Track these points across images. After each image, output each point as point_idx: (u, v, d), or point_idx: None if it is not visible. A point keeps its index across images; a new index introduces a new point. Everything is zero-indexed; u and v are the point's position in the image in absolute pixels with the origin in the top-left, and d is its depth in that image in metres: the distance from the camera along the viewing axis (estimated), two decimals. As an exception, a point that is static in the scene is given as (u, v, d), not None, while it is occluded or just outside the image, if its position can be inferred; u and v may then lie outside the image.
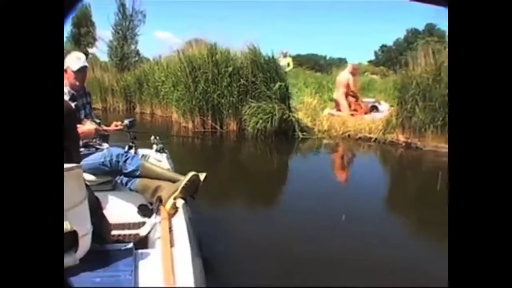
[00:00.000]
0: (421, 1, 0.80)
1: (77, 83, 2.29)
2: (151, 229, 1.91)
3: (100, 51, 16.11)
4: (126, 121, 2.58)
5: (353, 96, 7.91)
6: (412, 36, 29.19)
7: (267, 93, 6.92)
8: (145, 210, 2.15)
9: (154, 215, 2.07)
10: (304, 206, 3.54)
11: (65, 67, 2.24)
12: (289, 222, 3.17)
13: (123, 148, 2.36)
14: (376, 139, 6.48)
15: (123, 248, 1.45)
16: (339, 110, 7.87)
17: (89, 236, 1.29)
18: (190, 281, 1.32)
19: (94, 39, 16.74)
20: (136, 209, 2.16)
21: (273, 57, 7.43)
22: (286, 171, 5.46)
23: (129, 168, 2.10)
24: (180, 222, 1.81)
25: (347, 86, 7.82)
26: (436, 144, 5.79)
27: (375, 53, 33.64)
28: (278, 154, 6.39)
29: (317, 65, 22.11)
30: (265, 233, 2.91)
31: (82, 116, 2.34)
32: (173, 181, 2.07)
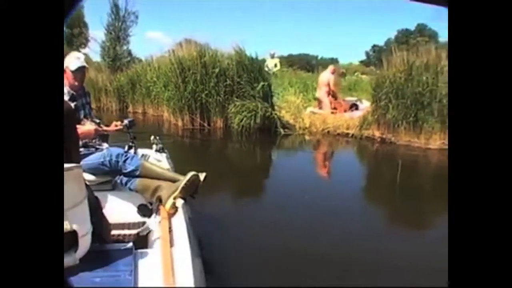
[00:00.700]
0: (421, 1, 0.80)
1: (76, 83, 2.29)
2: (149, 231, 1.91)
3: (93, 51, 16.10)
4: (125, 121, 2.58)
5: (333, 96, 8.37)
6: (403, 36, 29.23)
7: (251, 93, 7.38)
8: (145, 210, 2.15)
9: (154, 215, 2.07)
10: (286, 198, 3.79)
11: (64, 67, 2.24)
12: (274, 214, 3.36)
13: (123, 148, 2.36)
14: (353, 135, 6.91)
15: (123, 248, 1.45)
16: (321, 108, 8.29)
17: (89, 236, 1.29)
18: (190, 281, 1.32)
19: (87, 40, 16.74)
20: (135, 209, 2.16)
21: (257, 58, 7.90)
22: (269, 164, 5.86)
23: (129, 168, 2.10)
24: (180, 222, 1.80)
25: (328, 85, 8.25)
26: (409, 139, 6.27)
27: (366, 53, 33.57)
28: (261, 149, 6.82)
29: (309, 65, 22.01)
30: (251, 225, 3.07)
31: (82, 116, 2.34)
32: (173, 181, 2.07)
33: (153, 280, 1.30)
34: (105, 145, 2.35)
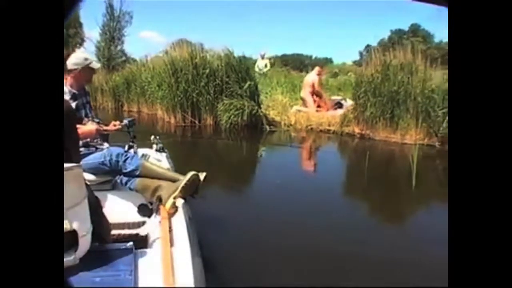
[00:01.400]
0: (421, 1, 0.80)
1: (83, 83, 2.32)
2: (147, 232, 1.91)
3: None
4: (125, 121, 2.58)
5: (317, 95, 8.86)
6: (397, 36, 29.24)
7: (239, 92, 7.95)
8: (145, 210, 2.15)
9: (154, 214, 2.07)
10: (271, 190, 4.11)
11: (76, 66, 2.24)
12: (261, 206, 3.58)
13: (123, 147, 2.36)
14: (334, 131, 7.42)
15: (123, 247, 1.44)
16: (305, 107, 8.78)
17: (89, 236, 1.29)
18: (190, 281, 1.32)
19: (82, 40, 16.79)
20: (136, 209, 2.16)
21: (244, 58, 8.65)
22: (255, 158, 6.22)
23: (129, 167, 2.10)
24: (180, 222, 1.80)
25: (313, 86, 8.75)
26: (386, 135, 6.70)
27: (360, 53, 33.44)
28: (248, 144, 7.22)
29: (302, 65, 21.99)
30: (240, 213, 3.29)
31: (83, 115, 2.34)
32: (173, 180, 2.07)
33: (153, 280, 1.30)
34: (105, 144, 2.35)
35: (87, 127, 2.24)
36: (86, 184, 1.36)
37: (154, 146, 2.96)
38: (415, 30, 30.41)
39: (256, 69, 11.33)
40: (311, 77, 8.97)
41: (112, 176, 2.17)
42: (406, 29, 30.75)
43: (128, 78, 11.58)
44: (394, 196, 4.13)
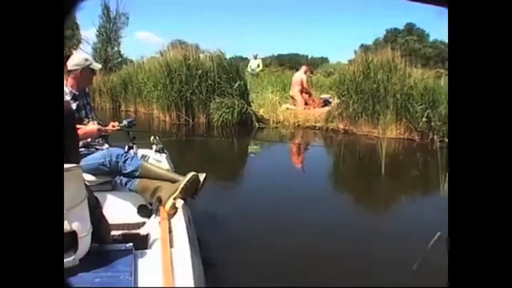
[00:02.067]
0: (421, 1, 0.80)
1: (84, 84, 2.31)
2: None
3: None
4: (125, 121, 2.58)
5: (306, 93, 9.23)
6: (392, 36, 29.22)
7: (229, 91, 8.46)
8: (144, 211, 2.15)
9: (153, 215, 2.07)
10: (261, 183, 4.38)
11: (76, 67, 2.24)
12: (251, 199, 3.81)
13: (123, 148, 2.35)
14: (320, 127, 7.87)
15: (122, 248, 1.44)
16: (294, 105, 9.13)
17: (89, 236, 1.29)
18: (190, 281, 1.32)
19: (79, 42, 16.79)
20: (135, 210, 2.16)
21: (235, 59, 9.56)
22: (245, 154, 6.59)
23: (129, 168, 2.10)
24: (179, 223, 1.80)
25: (301, 84, 9.08)
26: (369, 130, 7.14)
27: (355, 52, 33.16)
28: (238, 140, 7.59)
29: (298, 65, 22.09)
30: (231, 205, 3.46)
31: (83, 116, 2.34)
32: (173, 181, 2.06)
33: (153, 280, 1.30)
34: (105, 145, 2.35)
35: (89, 127, 2.23)
36: (86, 185, 1.36)
37: (154, 146, 2.95)
38: (410, 29, 30.44)
39: (249, 69, 11.69)
40: (299, 75, 9.27)
41: (112, 177, 2.17)
42: (401, 28, 30.78)
43: (125, 79, 11.90)
44: (376, 186, 4.45)
